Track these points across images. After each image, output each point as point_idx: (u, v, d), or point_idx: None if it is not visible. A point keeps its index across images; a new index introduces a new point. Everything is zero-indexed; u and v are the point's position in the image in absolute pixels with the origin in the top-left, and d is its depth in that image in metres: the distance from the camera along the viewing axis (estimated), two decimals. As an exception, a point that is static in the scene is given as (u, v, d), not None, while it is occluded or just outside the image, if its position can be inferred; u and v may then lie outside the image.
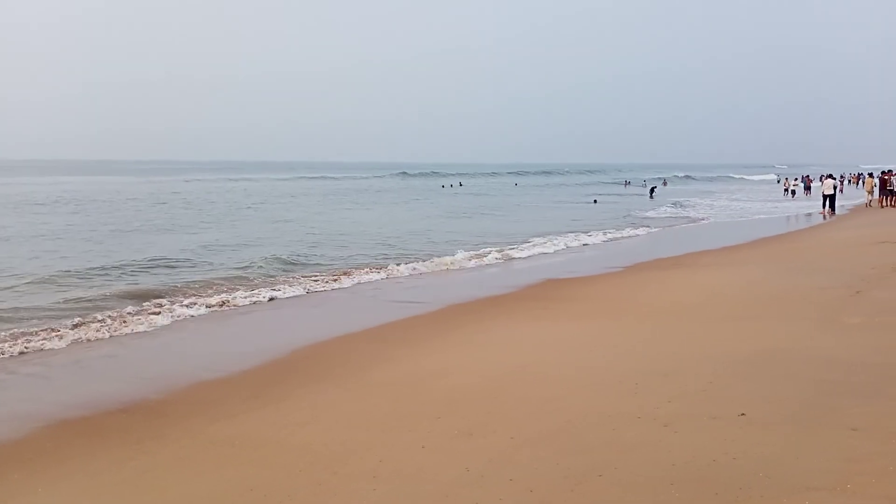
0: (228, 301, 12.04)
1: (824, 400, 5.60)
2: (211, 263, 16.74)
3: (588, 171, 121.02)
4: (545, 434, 5.30)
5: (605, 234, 24.60)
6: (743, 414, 5.38)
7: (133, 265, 16.16)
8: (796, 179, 54.73)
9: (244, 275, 14.88)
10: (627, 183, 74.11)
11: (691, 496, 4.11)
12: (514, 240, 22.17)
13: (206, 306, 11.64)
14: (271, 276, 14.83)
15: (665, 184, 52.97)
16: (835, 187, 32.15)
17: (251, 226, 27.46)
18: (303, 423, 6.05)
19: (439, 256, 17.76)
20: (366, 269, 15.72)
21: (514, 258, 18.31)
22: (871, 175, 36.83)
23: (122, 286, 13.47)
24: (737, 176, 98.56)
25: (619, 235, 24.38)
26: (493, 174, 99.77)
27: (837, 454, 4.51)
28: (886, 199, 31.59)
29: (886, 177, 32.67)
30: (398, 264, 16.40)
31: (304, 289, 13.43)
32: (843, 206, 32.95)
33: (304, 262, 17.02)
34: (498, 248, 19.15)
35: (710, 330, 8.67)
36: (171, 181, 71.04)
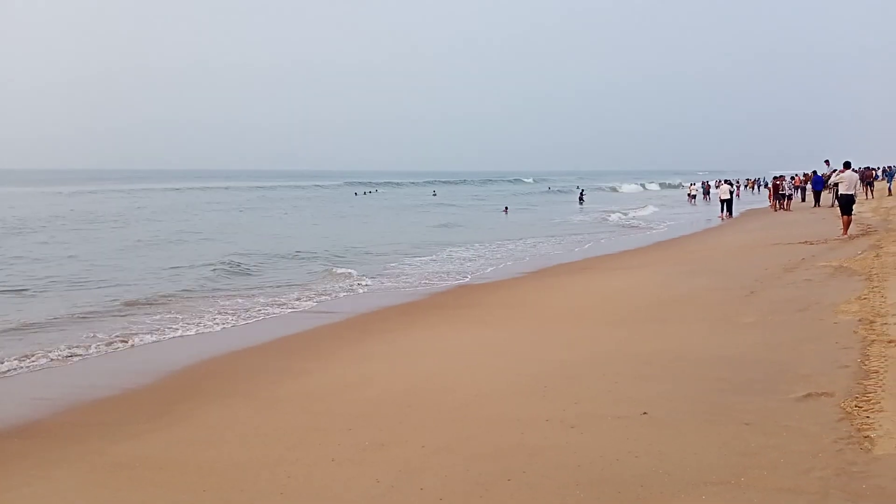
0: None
1: (720, 397, 5.86)
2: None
3: (519, 180, 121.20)
4: (456, 441, 5.33)
5: (516, 241, 24.96)
6: (645, 413, 5.57)
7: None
8: (693, 184, 57.09)
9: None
10: (549, 189, 76.67)
11: (595, 496, 4.22)
12: (430, 249, 22.25)
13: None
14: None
15: (582, 197, 54.88)
16: (731, 192, 33.83)
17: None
18: (209, 441, 5.87)
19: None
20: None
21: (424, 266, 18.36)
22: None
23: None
24: (649, 183, 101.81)
25: (530, 242, 24.80)
26: (412, 183, 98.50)
27: (732, 449, 4.72)
28: (778, 203, 33.39)
29: (778, 182, 34.58)
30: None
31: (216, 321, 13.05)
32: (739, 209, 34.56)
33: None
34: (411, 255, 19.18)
35: (614, 332, 8.93)
36: None
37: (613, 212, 40.57)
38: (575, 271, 15.83)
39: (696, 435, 5.05)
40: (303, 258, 19.63)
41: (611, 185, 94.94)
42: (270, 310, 12.24)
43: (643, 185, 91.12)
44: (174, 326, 10.85)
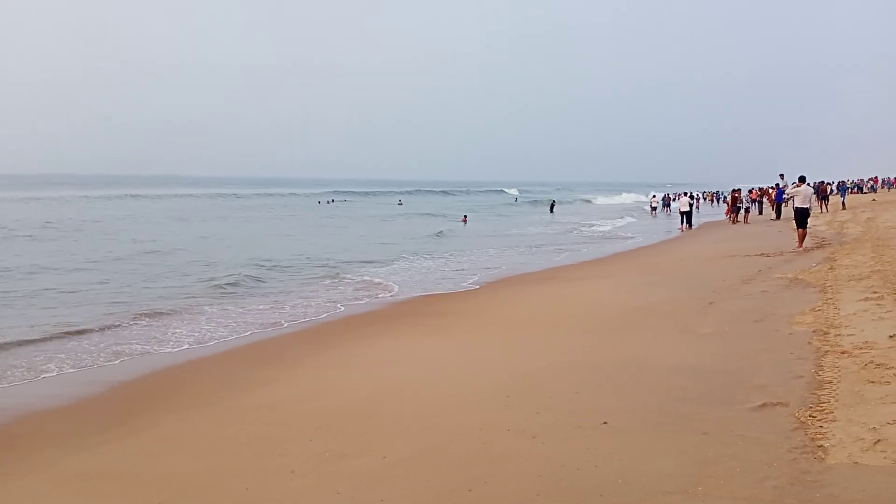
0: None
1: (679, 406, 5.93)
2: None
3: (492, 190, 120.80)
4: (418, 452, 5.31)
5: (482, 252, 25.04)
6: (605, 422, 5.61)
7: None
8: (654, 196, 57.98)
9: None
10: (516, 200, 77.43)
11: (556, 506, 4.23)
12: (388, 256, 22.20)
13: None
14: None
15: (552, 208, 56.63)
16: (690, 205, 34.38)
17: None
18: (166, 452, 5.77)
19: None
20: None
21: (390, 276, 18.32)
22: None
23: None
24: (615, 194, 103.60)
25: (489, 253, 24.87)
26: (376, 193, 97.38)
27: (690, 458, 4.78)
28: (735, 215, 34.04)
29: (735, 195, 35.30)
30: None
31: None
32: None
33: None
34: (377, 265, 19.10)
35: (577, 341, 9.00)
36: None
37: (581, 223, 41.04)
38: (538, 281, 15.93)
39: (655, 444, 5.11)
40: (264, 267, 19.42)
41: (585, 196, 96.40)
42: (229, 320, 12.07)
43: (619, 196, 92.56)
44: (133, 341, 10.56)
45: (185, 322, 11.84)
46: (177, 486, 5.01)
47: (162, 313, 12.55)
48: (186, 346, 10.16)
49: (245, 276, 17.22)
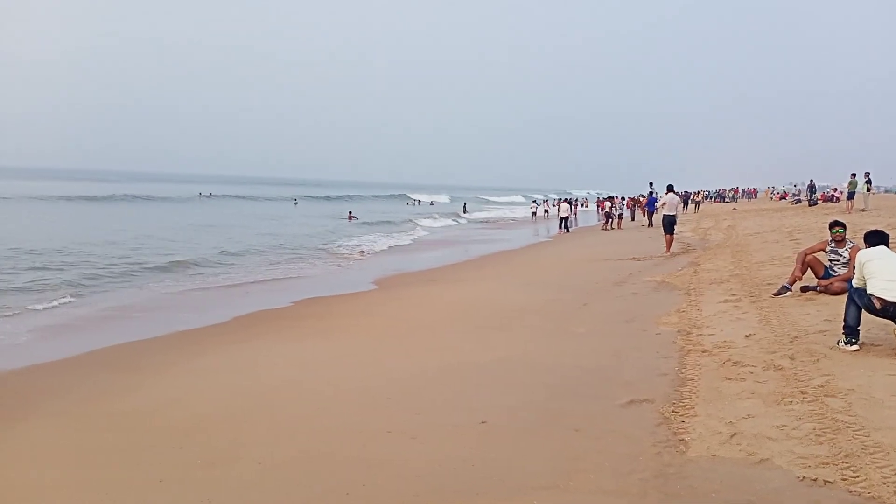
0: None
1: (553, 404, 6.12)
2: None
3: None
4: (294, 457, 5.19)
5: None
6: (484, 422, 5.70)
7: None
8: (535, 202, 60.42)
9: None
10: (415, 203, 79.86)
11: (433, 506, 4.26)
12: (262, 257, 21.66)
13: None
14: None
15: (465, 208, 62.58)
16: (568, 211, 35.71)
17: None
18: (20, 463, 5.33)
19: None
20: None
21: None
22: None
23: None
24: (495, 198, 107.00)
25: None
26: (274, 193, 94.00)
27: (562, 454, 4.94)
28: (607, 222, 35.52)
29: (609, 201, 36.87)
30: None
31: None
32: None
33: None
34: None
35: (458, 342, 9.08)
36: None
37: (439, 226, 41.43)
38: (421, 283, 15.99)
39: (529, 441, 5.24)
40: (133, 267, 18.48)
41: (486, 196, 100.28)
42: (85, 320, 11.39)
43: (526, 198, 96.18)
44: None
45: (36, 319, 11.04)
46: (32, 500, 4.66)
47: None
48: (33, 345, 9.47)
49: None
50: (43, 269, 17.18)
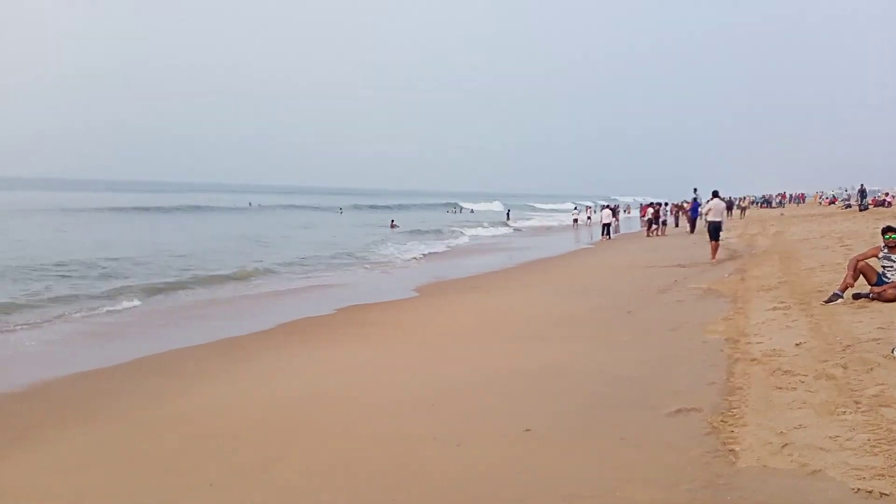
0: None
1: (598, 412, 6.07)
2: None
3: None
4: (340, 462, 5.24)
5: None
6: (528, 429, 5.68)
7: None
8: (576, 209, 60.26)
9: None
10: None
11: (478, 514, 4.25)
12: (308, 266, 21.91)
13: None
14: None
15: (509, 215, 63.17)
16: (611, 217, 35.46)
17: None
18: (71, 468, 5.47)
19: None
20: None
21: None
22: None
23: None
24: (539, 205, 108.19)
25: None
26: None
27: (607, 463, 4.89)
28: (649, 228, 35.14)
29: (654, 207, 36.43)
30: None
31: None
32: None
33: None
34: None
35: (501, 349, 9.08)
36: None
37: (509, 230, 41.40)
38: (463, 290, 16.01)
39: (574, 450, 5.20)
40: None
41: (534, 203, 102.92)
42: (134, 328, 11.67)
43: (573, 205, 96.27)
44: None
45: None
46: (90, 501, 4.79)
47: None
48: (87, 353, 9.74)
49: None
50: (110, 276, 17.81)
